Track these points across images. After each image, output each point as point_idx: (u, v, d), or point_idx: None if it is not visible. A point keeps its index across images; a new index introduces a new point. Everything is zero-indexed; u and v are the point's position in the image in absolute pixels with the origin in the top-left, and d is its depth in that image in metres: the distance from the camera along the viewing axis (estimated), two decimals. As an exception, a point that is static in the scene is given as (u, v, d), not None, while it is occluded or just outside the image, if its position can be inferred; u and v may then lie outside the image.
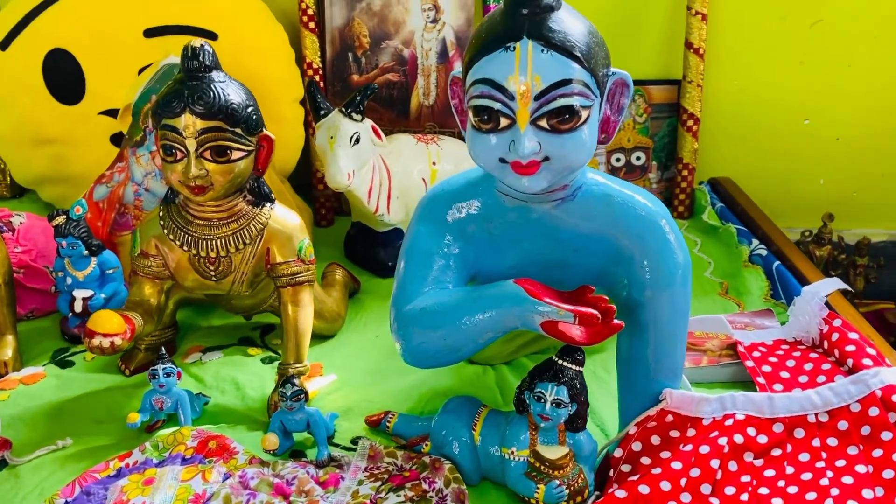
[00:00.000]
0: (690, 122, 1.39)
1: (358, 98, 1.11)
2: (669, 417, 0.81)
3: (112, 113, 1.27)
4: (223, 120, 0.81)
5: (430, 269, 0.80)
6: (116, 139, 1.29)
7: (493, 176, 0.79)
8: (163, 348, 0.86)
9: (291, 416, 0.82)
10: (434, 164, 1.23)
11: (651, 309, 0.79)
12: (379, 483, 0.76)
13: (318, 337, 1.04)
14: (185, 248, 0.88)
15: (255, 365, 1.00)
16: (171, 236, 0.88)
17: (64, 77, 1.25)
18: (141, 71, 1.23)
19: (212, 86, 0.81)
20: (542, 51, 0.66)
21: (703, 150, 1.44)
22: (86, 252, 1.01)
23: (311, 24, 1.33)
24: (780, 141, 1.46)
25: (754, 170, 1.46)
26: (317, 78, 1.35)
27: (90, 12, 1.23)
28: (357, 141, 1.11)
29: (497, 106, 0.68)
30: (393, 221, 1.21)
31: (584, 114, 0.68)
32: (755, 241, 1.21)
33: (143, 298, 0.90)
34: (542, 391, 0.75)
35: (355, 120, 1.11)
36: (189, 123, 0.80)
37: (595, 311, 0.71)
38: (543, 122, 0.68)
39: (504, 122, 0.69)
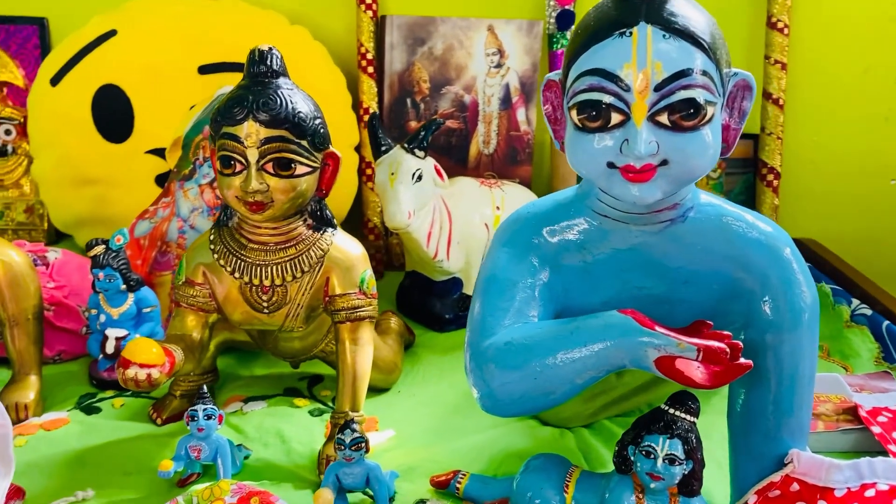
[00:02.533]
0: (770, 177, 1.30)
1: (422, 134, 1.04)
2: (795, 486, 0.68)
3: (159, 152, 1.21)
4: (289, 130, 0.73)
5: (513, 301, 0.70)
6: (162, 180, 1.22)
7: (588, 196, 0.69)
8: (204, 386, 0.75)
9: (349, 468, 0.70)
10: (498, 209, 1.14)
11: (774, 354, 0.67)
12: (455, 552, 0.63)
13: (373, 389, 0.93)
14: (237, 275, 0.79)
15: (303, 417, 0.88)
16: (222, 262, 0.79)
17: (112, 114, 1.20)
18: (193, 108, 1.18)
19: (278, 92, 0.73)
20: (664, 36, 0.58)
21: (783, 208, 1.34)
22: (123, 286, 0.92)
23: (370, 69, 1.28)
24: (864, 201, 1.36)
25: (838, 231, 1.35)
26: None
27: (145, 48, 1.19)
28: (419, 178, 1.03)
29: (609, 99, 0.59)
30: (452, 269, 1.11)
31: (709, 111, 0.59)
32: (855, 301, 1.09)
33: (186, 332, 0.80)
34: (653, 445, 0.63)
35: (418, 157, 1.03)
36: (252, 132, 0.72)
37: (723, 346, 0.59)
38: (663, 118, 0.59)
39: (616, 118, 0.59)
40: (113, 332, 0.92)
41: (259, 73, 0.74)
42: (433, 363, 1.03)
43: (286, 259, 0.79)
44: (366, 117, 1.28)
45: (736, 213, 0.68)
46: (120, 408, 0.90)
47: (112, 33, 1.20)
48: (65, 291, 1.00)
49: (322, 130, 0.77)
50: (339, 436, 0.70)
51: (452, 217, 1.10)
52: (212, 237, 0.81)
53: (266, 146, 0.73)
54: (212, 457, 0.74)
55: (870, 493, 0.66)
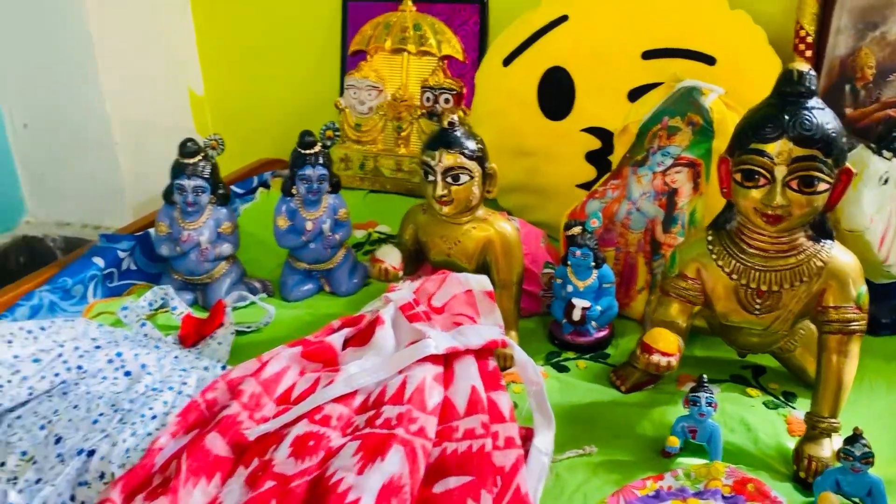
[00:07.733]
0: None
1: (893, 134, 1.00)
2: None
3: (594, 131, 1.31)
4: (820, 149, 0.76)
5: None
6: (592, 157, 1.32)
7: None
8: (704, 375, 0.83)
9: (853, 478, 0.74)
10: (963, 214, 1.07)
11: None
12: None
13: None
14: (734, 276, 0.85)
15: (759, 408, 0.93)
16: (721, 262, 0.86)
17: (556, 94, 1.32)
18: (632, 92, 1.25)
19: (812, 112, 0.76)
20: None
21: None
22: (592, 263, 1.03)
23: (808, 53, 1.25)
24: None
25: None
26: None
27: (592, 33, 1.28)
28: (885, 182, 1.00)
29: None
30: (897, 274, 1.08)
31: None
32: None
33: (672, 319, 0.89)
34: None
35: (885, 158, 1.00)
36: (784, 150, 0.76)
37: None
38: None
39: None
40: (579, 303, 1.04)
41: (793, 93, 0.77)
42: (877, 371, 1.02)
43: (786, 268, 0.83)
44: (796, 103, 1.26)
45: None
46: (583, 369, 1.03)
47: (563, 18, 1.30)
48: (528, 259, 1.14)
49: (846, 149, 0.78)
50: (847, 447, 0.74)
51: (909, 221, 1.05)
52: (710, 238, 0.87)
53: (795, 164, 0.76)
54: (703, 438, 0.83)
55: None
